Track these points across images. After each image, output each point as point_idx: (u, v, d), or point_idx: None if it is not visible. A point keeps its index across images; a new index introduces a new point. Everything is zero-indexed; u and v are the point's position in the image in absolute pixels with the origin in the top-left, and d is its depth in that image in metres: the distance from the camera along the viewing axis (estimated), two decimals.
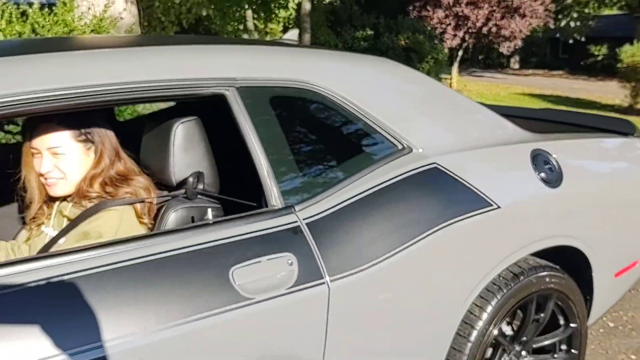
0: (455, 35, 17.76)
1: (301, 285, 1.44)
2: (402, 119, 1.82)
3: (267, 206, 1.51)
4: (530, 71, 32.04)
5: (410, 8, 18.16)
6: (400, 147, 1.77)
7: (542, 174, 1.97)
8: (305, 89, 1.66)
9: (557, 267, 2.03)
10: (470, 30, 20.00)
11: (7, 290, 1.14)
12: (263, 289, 1.39)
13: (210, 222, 1.46)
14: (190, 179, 1.60)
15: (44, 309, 1.18)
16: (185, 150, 1.60)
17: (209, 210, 1.54)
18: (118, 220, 1.55)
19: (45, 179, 1.61)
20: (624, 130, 2.46)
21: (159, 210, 1.65)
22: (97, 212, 1.56)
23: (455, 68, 18.49)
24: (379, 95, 1.84)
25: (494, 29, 20.04)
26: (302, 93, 1.66)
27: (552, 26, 24.59)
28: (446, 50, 9.68)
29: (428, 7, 17.75)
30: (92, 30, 5.56)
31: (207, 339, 1.33)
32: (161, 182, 1.69)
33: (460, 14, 17.98)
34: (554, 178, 1.99)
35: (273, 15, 9.16)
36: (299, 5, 9.30)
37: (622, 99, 16.22)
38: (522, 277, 1.89)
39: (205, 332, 1.31)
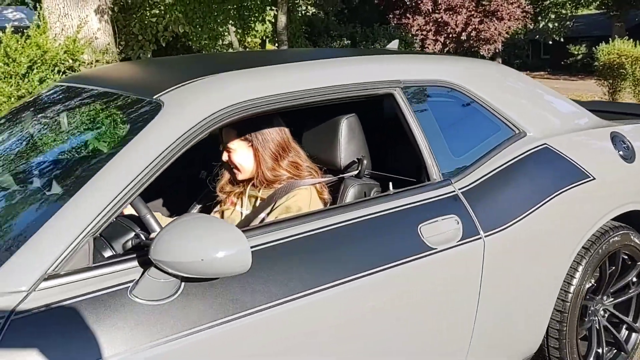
0: (436, 41, 17.97)
1: (466, 239, 1.86)
2: (517, 109, 2.30)
3: (429, 180, 1.94)
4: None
5: (390, 16, 18.37)
6: (517, 132, 2.24)
7: (621, 152, 2.49)
8: (447, 87, 2.15)
9: (629, 227, 2.49)
10: (450, 36, 20.25)
11: (267, 245, 1.54)
12: (442, 242, 1.81)
13: (391, 193, 1.86)
14: (355, 163, 2.05)
15: (294, 261, 1.57)
16: (349, 140, 2.06)
17: (375, 186, 2.03)
18: (309, 196, 1.96)
19: (231, 168, 2.07)
20: None
21: (332, 187, 2.09)
22: (291, 190, 1.96)
23: None
24: (499, 90, 2.34)
25: (473, 33, 20.31)
26: (444, 90, 2.16)
27: (531, 27, 24.91)
28: None
29: (408, 15, 17.95)
30: (65, 52, 5.60)
31: (396, 284, 1.72)
32: (326, 166, 2.13)
33: (439, 20, 18.20)
34: (629, 155, 2.51)
35: (250, 30, 9.23)
36: (276, 18, 9.38)
37: (601, 96, 16.41)
38: (606, 237, 2.34)
39: (395, 278, 1.71)
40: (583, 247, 2.29)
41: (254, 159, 2.01)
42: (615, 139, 2.52)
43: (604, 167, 2.41)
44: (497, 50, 21.79)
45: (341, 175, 2.07)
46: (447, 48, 19.61)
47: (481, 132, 2.21)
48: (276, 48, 9.58)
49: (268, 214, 1.97)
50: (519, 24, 20.14)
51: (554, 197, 2.13)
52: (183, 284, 1.38)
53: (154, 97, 1.66)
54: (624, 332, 2.60)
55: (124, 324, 1.29)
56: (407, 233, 1.78)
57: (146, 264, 1.37)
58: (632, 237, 2.48)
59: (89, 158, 1.74)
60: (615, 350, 2.55)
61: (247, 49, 12.06)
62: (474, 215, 1.92)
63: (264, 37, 9.65)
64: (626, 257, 2.54)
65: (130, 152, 1.48)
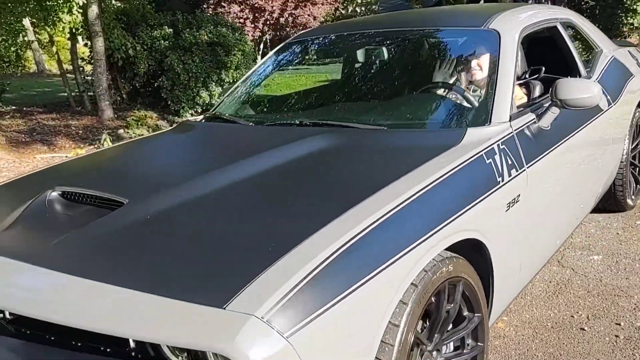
0: (255, 28, 17.72)
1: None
2: (598, 39, 3.87)
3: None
4: (328, 59, 33.35)
5: (205, 6, 17.75)
6: (600, 49, 3.77)
7: (637, 60, 4.25)
8: (569, 23, 3.58)
9: None
10: (268, 22, 20.23)
11: None
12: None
13: None
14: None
15: None
16: None
17: None
18: None
19: None
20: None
21: None
22: None
23: (259, 60, 18.44)
24: (587, 27, 3.85)
25: (290, 19, 20.51)
26: (569, 24, 3.59)
27: (342, 12, 25.79)
28: (250, 43, 9.42)
29: (223, 3, 17.48)
30: None
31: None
32: None
33: (256, 5, 17.97)
34: None
35: (56, 21, 8.13)
36: (85, 7, 8.39)
37: None
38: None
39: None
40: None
41: None
42: (630, 53, 4.22)
43: (635, 69, 4.05)
44: None
45: None
46: (266, 35, 19.57)
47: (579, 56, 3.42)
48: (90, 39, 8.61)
49: None
50: (331, 8, 20.67)
51: (625, 85, 3.72)
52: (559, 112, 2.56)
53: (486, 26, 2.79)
54: None
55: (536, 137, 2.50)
56: None
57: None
58: None
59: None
60: None
61: (54, 47, 10.75)
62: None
63: (73, 29, 8.58)
64: None
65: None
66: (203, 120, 3.15)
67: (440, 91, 2.76)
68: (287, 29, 20.22)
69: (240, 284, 1.33)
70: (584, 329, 2.70)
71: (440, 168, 1.94)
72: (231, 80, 8.63)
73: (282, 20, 18.83)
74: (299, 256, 1.43)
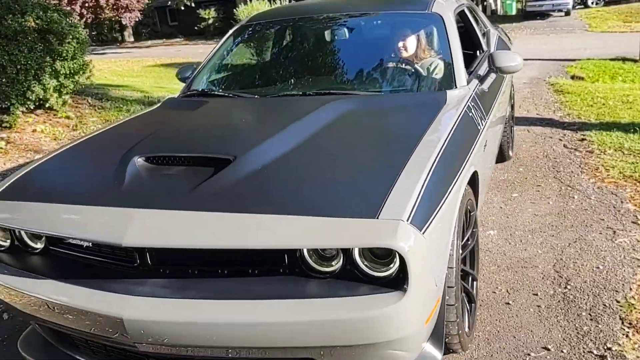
0: (72, 11, 16.22)
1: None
2: (485, 20, 4.96)
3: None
4: (149, 42, 31.80)
5: None
6: (487, 29, 4.66)
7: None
8: (470, 6, 4.20)
9: None
10: (87, 4, 18.57)
11: None
12: None
13: None
14: None
15: None
16: None
17: None
18: None
19: None
20: None
21: None
22: None
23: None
24: (478, 10, 4.64)
25: (112, 1, 19.05)
26: (470, 7, 4.20)
27: None
28: (84, 30, 8.59)
29: None
30: None
31: None
32: None
33: None
34: None
35: None
36: None
37: None
38: None
39: None
40: None
41: None
42: (498, 31, 5.25)
43: (507, 42, 5.26)
44: (137, 19, 20.92)
45: None
46: (85, 19, 18.00)
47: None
48: None
49: None
50: None
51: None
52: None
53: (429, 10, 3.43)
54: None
55: (482, 97, 3.21)
56: None
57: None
58: None
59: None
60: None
61: None
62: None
63: None
64: None
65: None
66: (182, 97, 3.52)
67: (410, 64, 3.30)
68: (107, 12, 18.86)
69: (380, 200, 1.82)
70: (509, 303, 2.90)
71: (450, 120, 2.54)
72: (67, 72, 7.79)
73: (102, 2, 17.49)
74: (409, 176, 1.97)
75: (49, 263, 2.19)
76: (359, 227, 1.74)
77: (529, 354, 2.50)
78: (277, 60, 3.91)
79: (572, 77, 10.74)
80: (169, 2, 28.28)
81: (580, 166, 4.91)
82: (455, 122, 2.52)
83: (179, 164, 2.28)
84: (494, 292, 3.00)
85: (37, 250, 2.25)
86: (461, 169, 2.29)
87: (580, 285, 2.99)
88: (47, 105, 7.80)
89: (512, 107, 5.35)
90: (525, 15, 24.47)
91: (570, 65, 11.88)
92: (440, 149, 2.21)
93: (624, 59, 12.53)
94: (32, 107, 7.73)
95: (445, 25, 3.28)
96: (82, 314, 1.92)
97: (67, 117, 7.88)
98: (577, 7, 25.57)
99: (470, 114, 2.79)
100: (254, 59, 4.05)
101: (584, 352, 2.48)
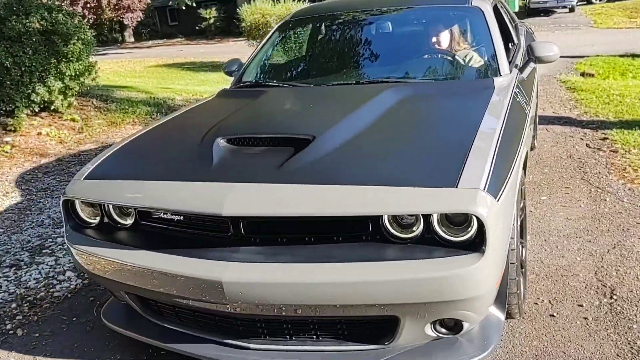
0: (74, 12, 16.06)
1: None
2: (513, 14, 5.17)
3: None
4: (150, 42, 31.62)
5: None
6: (516, 22, 5.07)
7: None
8: (500, 1, 4.23)
9: None
10: (88, 5, 18.42)
11: None
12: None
13: None
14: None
15: None
16: None
17: None
18: None
19: None
20: None
21: None
22: None
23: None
24: (506, 5, 4.79)
25: (113, 1, 18.90)
26: (501, 2, 4.38)
27: None
28: (89, 30, 8.43)
29: None
30: None
31: None
32: None
33: None
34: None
35: None
36: None
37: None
38: None
39: None
40: None
41: None
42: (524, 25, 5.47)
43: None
44: (139, 19, 20.77)
45: None
46: (87, 19, 17.83)
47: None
48: None
49: None
50: None
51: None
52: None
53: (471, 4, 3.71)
54: None
55: (523, 84, 3.42)
56: None
57: None
58: None
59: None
60: None
61: None
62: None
63: None
64: None
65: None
66: (236, 88, 3.79)
67: (457, 54, 3.55)
68: (108, 12, 18.68)
69: (456, 172, 2.03)
70: (553, 316, 2.74)
71: (502, 104, 2.75)
72: (73, 74, 7.63)
73: (104, 3, 17.31)
74: (478, 152, 2.18)
75: (139, 237, 2.41)
76: (441, 196, 1.95)
77: None
78: (325, 52, 4.11)
79: (582, 74, 10.57)
80: (170, 2, 28.06)
81: (606, 166, 4.76)
82: (508, 106, 2.74)
83: (259, 144, 2.51)
84: (536, 304, 2.85)
85: (126, 226, 2.47)
86: (519, 147, 2.54)
87: (626, 295, 2.83)
88: (52, 107, 7.63)
89: (537, 95, 5.42)
90: (529, 12, 24.26)
91: (579, 62, 11.72)
92: (501, 128, 2.43)
93: (633, 55, 12.35)
94: (36, 110, 7.56)
95: (485, 18, 3.55)
96: (181, 280, 2.12)
97: (73, 120, 7.71)
98: (580, 3, 25.37)
99: (518, 99, 3.03)
100: (301, 52, 4.27)
101: None
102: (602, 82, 9.46)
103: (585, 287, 2.95)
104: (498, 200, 1.99)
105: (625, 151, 5.11)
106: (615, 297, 2.84)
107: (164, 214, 2.35)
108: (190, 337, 2.44)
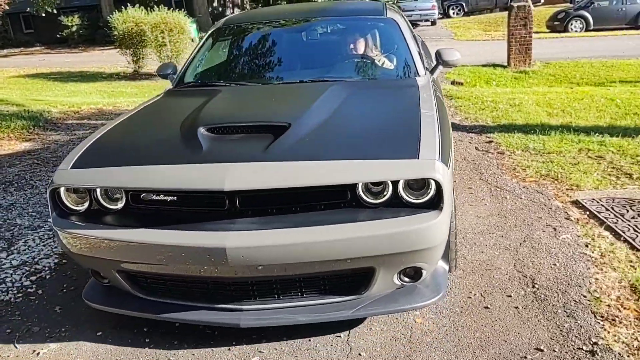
0: None
1: None
2: None
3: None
4: (5, 51, 29.08)
5: None
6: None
7: None
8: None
9: None
10: None
11: None
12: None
13: None
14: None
15: None
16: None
17: None
18: None
19: None
20: None
21: None
22: None
23: None
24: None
25: None
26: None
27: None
28: None
29: None
30: None
31: None
32: None
33: None
34: None
35: None
36: None
37: (126, 66, 16.44)
38: None
39: None
40: None
41: None
42: None
43: None
44: None
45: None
46: None
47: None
48: None
49: None
50: None
51: None
52: None
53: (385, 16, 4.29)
54: None
55: (435, 83, 3.90)
56: None
57: None
58: None
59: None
60: None
61: None
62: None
63: None
64: None
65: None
66: (180, 89, 4.07)
67: (382, 57, 4.08)
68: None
69: (415, 146, 2.53)
70: (487, 307, 2.93)
71: (430, 96, 3.27)
72: None
73: None
74: (427, 130, 2.70)
75: (133, 218, 2.62)
76: (407, 165, 2.46)
77: (525, 357, 2.53)
78: (263, 55, 4.39)
79: (452, 83, 11.38)
80: (28, 9, 26.02)
81: (498, 167, 5.17)
82: (434, 98, 3.24)
83: (238, 132, 2.84)
84: (470, 297, 3.03)
85: (115, 210, 2.67)
86: (450, 129, 3.08)
87: (546, 284, 3.10)
88: None
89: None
90: None
91: (448, 72, 12.58)
92: (435, 114, 2.94)
93: (494, 65, 13.50)
94: None
95: (400, 28, 4.15)
96: (184, 250, 2.40)
97: None
98: (439, 17, 27.22)
99: (437, 94, 3.50)
100: (239, 55, 4.51)
101: (574, 349, 2.56)
102: (473, 89, 10.25)
103: (509, 279, 3.18)
104: (448, 168, 2.51)
105: (511, 152, 5.58)
106: (536, 286, 3.09)
107: (156, 195, 2.59)
108: (180, 307, 2.69)
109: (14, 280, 3.56)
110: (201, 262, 2.40)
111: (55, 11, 26.31)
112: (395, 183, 2.47)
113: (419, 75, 3.70)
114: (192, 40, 16.27)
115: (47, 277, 3.59)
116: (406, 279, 2.65)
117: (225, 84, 3.92)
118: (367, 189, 2.50)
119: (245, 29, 4.61)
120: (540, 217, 3.97)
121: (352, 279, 2.61)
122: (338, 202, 2.50)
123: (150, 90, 13.61)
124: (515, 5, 12.77)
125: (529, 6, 12.73)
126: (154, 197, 2.60)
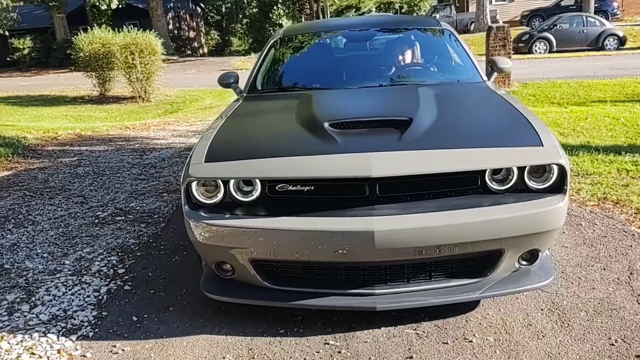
0: None
1: None
2: None
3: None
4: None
5: None
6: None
7: None
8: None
9: None
10: None
11: None
12: None
13: None
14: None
15: None
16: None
17: None
18: None
19: None
20: None
21: None
22: None
23: None
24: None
25: None
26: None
27: None
28: None
29: None
30: None
31: None
32: None
33: None
34: None
35: None
36: None
37: (92, 88, 15.59)
38: None
39: None
40: None
41: None
42: None
43: None
44: None
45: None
46: None
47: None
48: None
49: None
50: None
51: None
52: None
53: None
54: None
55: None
56: None
57: None
58: None
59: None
60: None
61: None
62: None
63: None
64: None
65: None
66: (254, 95, 4.21)
67: (449, 62, 4.38)
68: None
69: (535, 135, 2.73)
70: (471, 341, 2.59)
71: (508, 95, 3.49)
72: None
73: None
74: (535, 121, 2.90)
75: (269, 207, 2.71)
76: (533, 152, 2.63)
77: None
78: (336, 62, 4.60)
79: None
80: None
81: None
82: (510, 97, 3.47)
83: (360, 127, 2.94)
84: (613, 345, 2.64)
85: (248, 202, 2.76)
86: None
87: None
88: None
89: None
90: None
91: None
92: (524, 107, 3.16)
93: None
94: None
95: (456, 37, 4.47)
96: (330, 236, 2.48)
97: None
98: None
99: (508, 94, 3.65)
100: (308, 62, 4.63)
101: None
102: None
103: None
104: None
105: None
106: None
107: (293, 185, 2.65)
108: (307, 294, 2.72)
109: (50, 341, 2.94)
110: (346, 246, 2.46)
111: (7, 33, 25.06)
112: (521, 169, 2.63)
113: (486, 80, 3.97)
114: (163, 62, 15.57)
115: (90, 334, 3.00)
116: (524, 262, 2.77)
117: (307, 88, 4.05)
118: (494, 175, 2.69)
119: (306, 39, 4.80)
120: (631, 246, 3.65)
121: (479, 261, 2.71)
122: (467, 188, 2.67)
123: (121, 114, 12.90)
124: (495, 26, 12.83)
125: (508, 28, 12.81)
126: (291, 187, 2.66)
